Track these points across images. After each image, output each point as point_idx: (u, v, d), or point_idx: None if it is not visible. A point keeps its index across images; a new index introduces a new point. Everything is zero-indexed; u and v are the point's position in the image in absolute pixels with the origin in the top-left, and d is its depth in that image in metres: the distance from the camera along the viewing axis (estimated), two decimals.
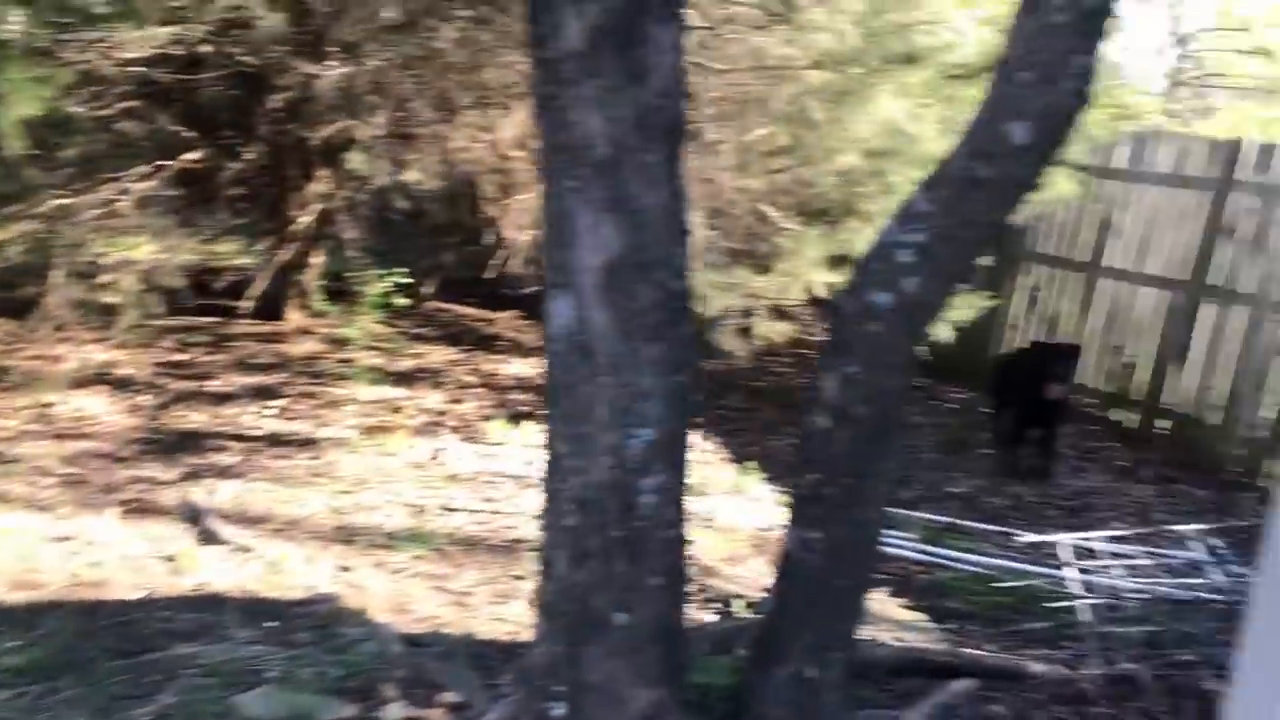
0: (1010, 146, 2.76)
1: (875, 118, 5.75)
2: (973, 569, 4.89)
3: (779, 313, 6.17)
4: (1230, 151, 7.54)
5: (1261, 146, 7.46)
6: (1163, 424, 7.61)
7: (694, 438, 6.39)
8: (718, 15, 5.66)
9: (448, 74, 5.27)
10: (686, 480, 2.69)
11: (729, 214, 6.41)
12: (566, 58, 2.44)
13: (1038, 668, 3.92)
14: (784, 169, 6.34)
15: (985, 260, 7.01)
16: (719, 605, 4.23)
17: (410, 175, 5.80)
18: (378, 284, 6.53)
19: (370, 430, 5.86)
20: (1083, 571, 4.39)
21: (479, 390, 6.70)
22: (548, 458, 2.65)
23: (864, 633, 4.16)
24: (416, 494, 5.13)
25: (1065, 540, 4.62)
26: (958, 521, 5.57)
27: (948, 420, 7.65)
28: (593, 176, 2.48)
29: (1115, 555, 4.82)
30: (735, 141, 6.02)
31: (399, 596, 4.11)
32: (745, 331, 6.21)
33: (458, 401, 6.48)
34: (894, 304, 2.85)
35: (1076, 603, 4.24)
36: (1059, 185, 6.40)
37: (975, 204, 2.80)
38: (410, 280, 6.82)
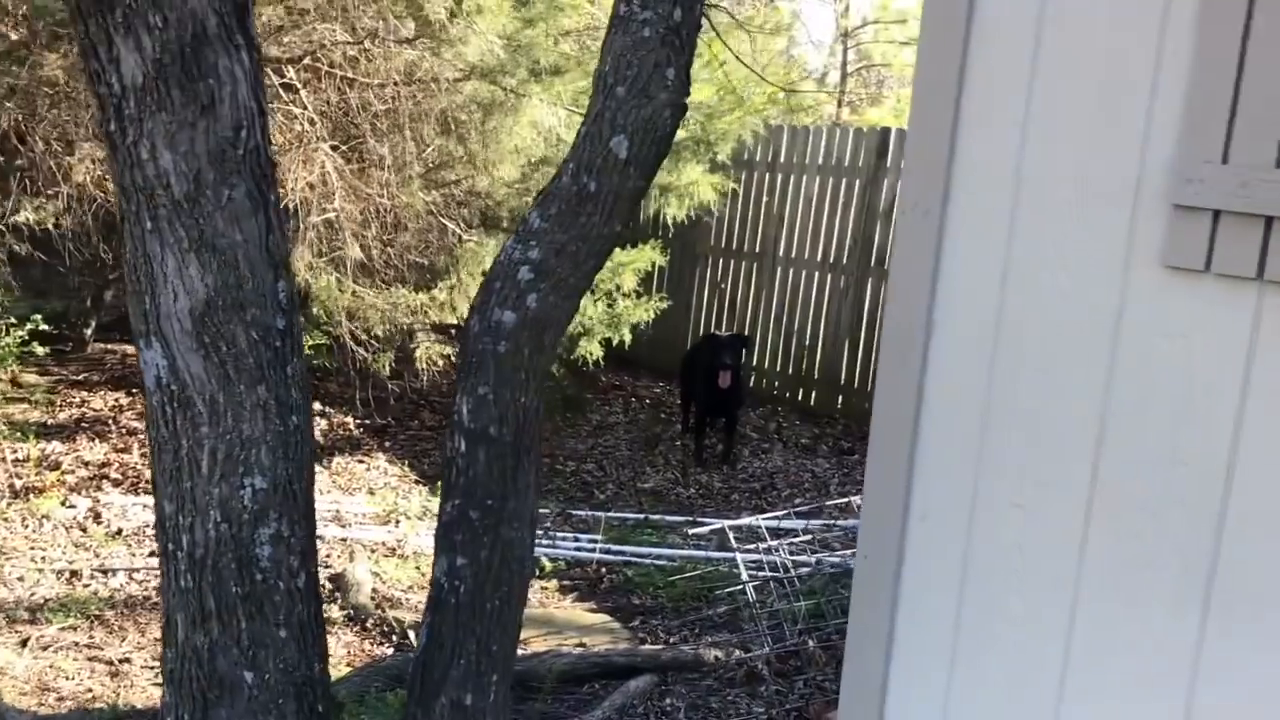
0: (615, 160, 2.83)
1: (534, 127, 5.80)
2: (657, 563, 5.03)
3: (442, 330, 6.12)
4: (879, 140, 8.12)
5: (900, 132, 8.08)
6: (839, 400, 8.11)
7: (380, 461, 6.27)
8: (364, 30, 5.54)
9: (61, 104, 4.89)
10: (311, 523, 2.60)
11: (405, 229, 6.31)
12: (128, 93, 2.30)
13: (713, 654, 4.07)
14: (456, 181, 6.30)
15: (664, 259, 7.25)
16: (398, 637, 4.15)
17: (33, 213, 5.34)
18: (13, 331, 5.99)
19: (19, 493, 5.38)
20: (756, 553, 4.59)
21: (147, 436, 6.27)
22: (156, 518, 2.49)
23: (549, 642, 4.20)
24: (71, 557, 4.74)
25: (742, 523, 4.82)
26: (649, 516, 5.72)
27: (643, 416, 7.85)
28: (172, 216, 2.35)
29: (787, 532, 5.07)
30: (397, 156, 5.92)
31: (44, 674, 3.79)
32: (413, 352, 6.13)
33: (124, 450, 6.05)
34: (518, 321, 2.86)
35: (749, 584, 4.43)
36: (701, 188, 6.66)
37: (587, 218, 2.85)
38: (50, 325, 6.30)
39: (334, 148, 5.91)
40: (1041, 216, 2.21)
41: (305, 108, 5.62)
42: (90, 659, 3.93)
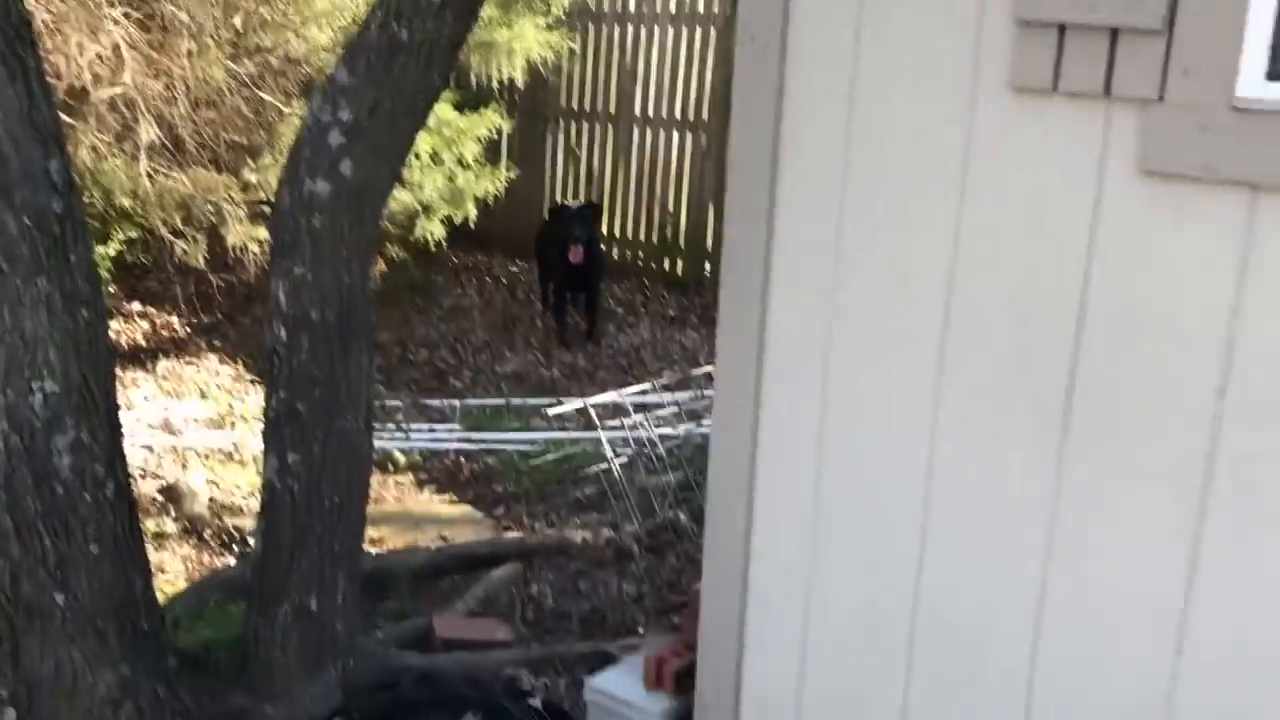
0: (428, 3, 2.70)
1: None
2: (520, 448, 5.02)
3: (262, 214, 5.87)
4: None
5: None
6: (706, 267, 8.13)
7: (212, 362, 6.07)
8: None
9: None
10: (115, 427, 2.48)
11: (215, 104, 6.01)
12: None
13: (581, 536, 4.10)
14: (270, 48, 6.00)
15: (509, 124, 7.07)
16: (239, 546, 4.08)
17: None
18: None
19: None
20: (622, 429, 4.61)
21: None
22: None
23: (406, 538, 4.18)
24: None
25: (604, 400, 4.82)
26: (510, 401, 5.69)
27: (499, 297, 7.76)
28: None
29: (653, 406, 5.10)
30: (200, 23, 5.59)
31: None
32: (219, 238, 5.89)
33: None
34: (333, 192, 2.75)
35: (614, 462, 4.46)
36: (529, 44, 6.47)
37: (401, 70, 2.72)
38: None
39: (126, 14, 5.54)
40: (886, 43, 2.18)
41: None
42: None
